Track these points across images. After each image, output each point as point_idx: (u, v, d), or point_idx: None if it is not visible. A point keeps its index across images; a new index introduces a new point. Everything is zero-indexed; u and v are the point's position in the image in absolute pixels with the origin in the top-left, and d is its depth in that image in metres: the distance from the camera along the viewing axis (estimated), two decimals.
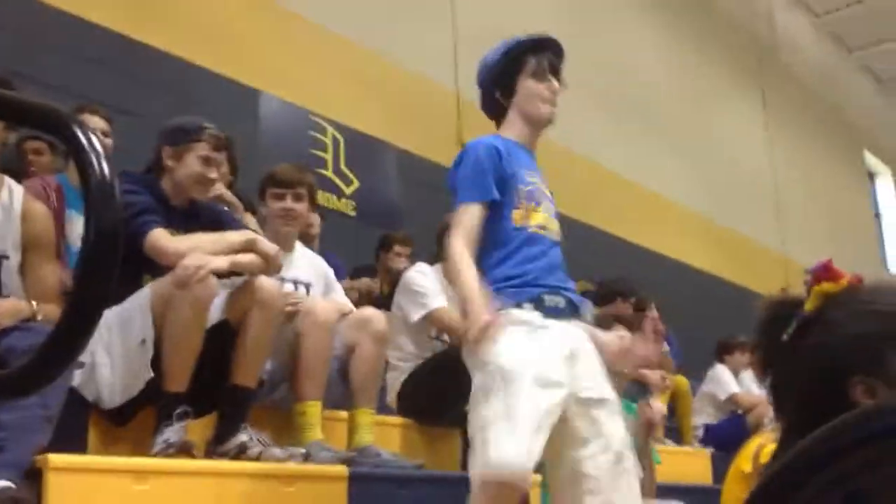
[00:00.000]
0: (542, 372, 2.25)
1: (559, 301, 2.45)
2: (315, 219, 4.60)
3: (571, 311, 2.48)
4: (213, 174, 3.10)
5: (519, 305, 2.37)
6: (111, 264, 1.10)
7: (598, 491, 2.29)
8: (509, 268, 2.42)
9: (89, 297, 1.09)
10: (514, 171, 2.49)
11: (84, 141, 1.12)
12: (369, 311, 3.48)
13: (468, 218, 2.42)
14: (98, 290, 1.09)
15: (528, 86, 2.56)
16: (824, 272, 1.36)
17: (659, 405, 3.90)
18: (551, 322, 2.38)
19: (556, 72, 2.60)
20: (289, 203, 3.53)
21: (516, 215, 2.46)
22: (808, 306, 1.34)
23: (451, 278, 2.53)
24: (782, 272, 11.67)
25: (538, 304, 2.39)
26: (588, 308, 2.68)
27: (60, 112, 1.19)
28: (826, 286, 1.34)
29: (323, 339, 3.19)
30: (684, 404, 6.45)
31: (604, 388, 2.42)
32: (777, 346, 1.36)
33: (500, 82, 2.58)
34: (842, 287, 1.34)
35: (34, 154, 3.72)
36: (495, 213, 2.45)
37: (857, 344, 1.27)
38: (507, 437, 2.16)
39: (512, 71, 2.56)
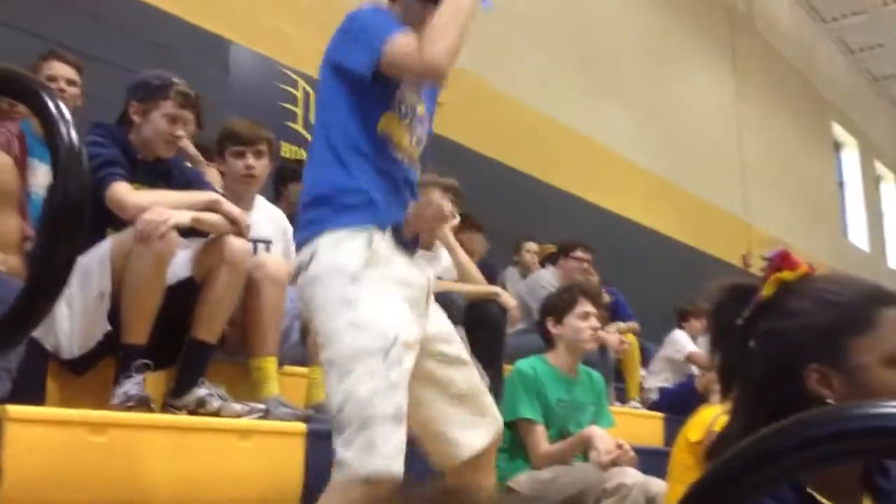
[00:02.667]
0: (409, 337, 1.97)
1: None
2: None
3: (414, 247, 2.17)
4: (180, 132, 3.07)
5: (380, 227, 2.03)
6: (78, 232, 1.13)
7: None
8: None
9: (55, 263, 1.12)
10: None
11: (53, 109, 1.13)
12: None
13: (404, 39, 1.99)
14: (64, 257, 1.12)
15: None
16: (782, 259, 1.39)
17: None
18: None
19: None
20: (250, 160, 3.50)
21: (385, 121, 2.08)
22: (765, 292, 1.38)
23: (457, 46, 1.97)
24: (745, 239, 11.85)
25: (396, 232, 2.06)
26: None
27: (28, 78, 1.21)
28: (784, 274, 1.38)
29: (276, 295, 3.18)
30: (632, 362, 6.55)
31: (460, 347, 2.21)
32: (730, 328, 1.40)
33: None
34: (798, 275, 1.38)
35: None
36: (364, 113, 2.07)
37: (814, 333, 1.31)
38: (394, 439, 1.89)
39: None
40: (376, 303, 1.94)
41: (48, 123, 1.11)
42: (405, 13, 2.13)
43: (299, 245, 2.07)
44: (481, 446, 2.19)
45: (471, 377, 2.21)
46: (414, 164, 2.19)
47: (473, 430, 2.18)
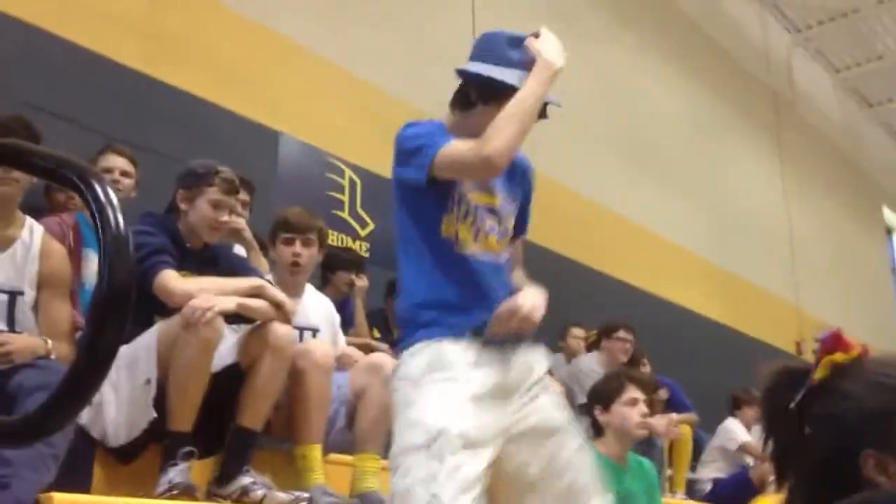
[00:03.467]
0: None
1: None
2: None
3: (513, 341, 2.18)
4: (224, 217, 3.13)
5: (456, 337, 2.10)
6: (123, 317, 1.13)
7: None
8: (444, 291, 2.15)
9: (100, 348, 1.12)
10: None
11: (100, 194, 1.15)
12: (379, 357, 3.49)
13: (458, 145, 2.11)
14: (109, 343, 1.12)
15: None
16: (834, 341, 1.36)
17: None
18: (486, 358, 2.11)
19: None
20: (298, 248, 3.55)
21: (446, 225, 2.18)
22: (818, 375, 1.34)
23: (522, 134, 2.09)
24: (796, 325, 11.63)
25: (475, 336, 2.11)
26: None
27: (77, 165, 1.23)
28: (836, 356, 1.34)
29: (321, 382, 3.18)
30: (682, 452, 6.40)
31: (554, 414, 2.18)
32: (783, 413, 1.36)
33: (483, 88, 2.25)
34: (852, 357, 1.34)
35: (60, 192, 3.76)
36: (428, 222, 2.18)
37: (869, 418, 1.27)
38: None
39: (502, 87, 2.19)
40: (428, 403, 2.01)
41: (95, 208, 1.12)
42: (460, 126, 2.25)
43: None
44: None
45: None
46: (498, 256, 2.24)
47: None
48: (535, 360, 2.21)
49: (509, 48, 2.23)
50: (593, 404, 3.66)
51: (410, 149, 2.19)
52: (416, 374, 2.05)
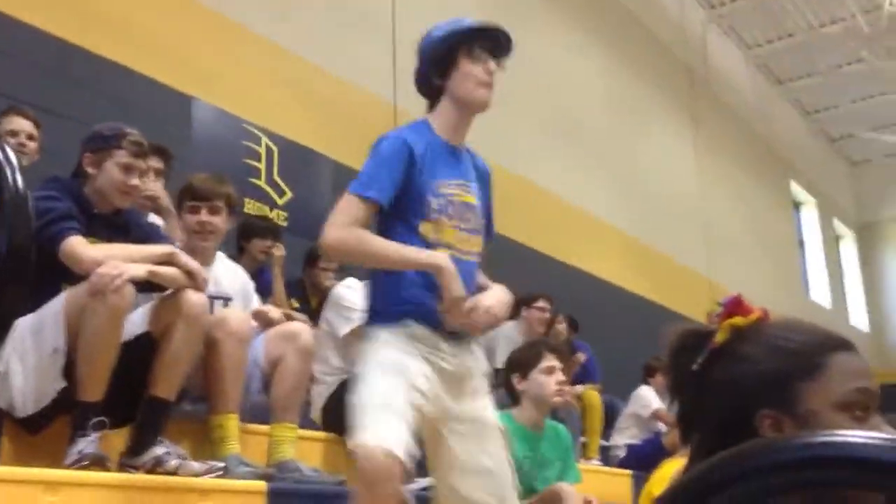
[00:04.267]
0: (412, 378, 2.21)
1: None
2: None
3: (467, 334, 2.37)
4: (134, 181, 3.03)
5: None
6: (21, 280, 1.09)
7: None
8: (409, 290, 2.29)
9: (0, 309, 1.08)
10: (426, 181, 2.31)
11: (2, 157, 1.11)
12: (295, 326, 3.46)
13: (349, 208, 2.25)
14: (9, 305, 1.08)
15: (463, 66, 2.37)
16: (734, 305, 1.39)
17: None
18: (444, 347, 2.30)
19: (498, 59, 2.42)
20: (204, 216, 3.46)
21: (425, 228, 2.31)
22: (719, 338, 1.37)
23: (355, 258, 2.35)
24: (707, 294, 11.91)
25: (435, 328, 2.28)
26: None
27: None
28: (736, 319, 1.37)
29: (238, 352, 3.14)
30: (593, 418, 6.53)
31: (485, 409, 2.39)
32: (686, 375, 1.39)
33: (436, 61, 2.40)
34: (751, 321, 1.37)
35: None
36: (402, 224, 2.31)
37: (766, 379, 1.30)
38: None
39: (450, 50, 2.39)
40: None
41: None
42: (442, 118, 2.41)
43: None
44: None
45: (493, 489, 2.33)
46: (475, 256, 2.42)
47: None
48: (479, 355, 2.40)
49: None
50: (511, 372, 3.69)
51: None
52: (371, 352, 2.26)
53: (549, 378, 3.62)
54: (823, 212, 17.76)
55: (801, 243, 17.10)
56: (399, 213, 2.29)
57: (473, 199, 2.40)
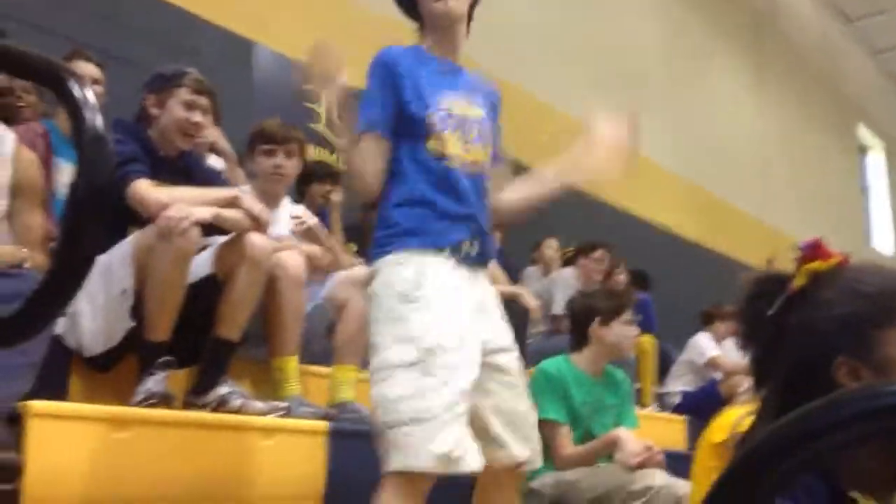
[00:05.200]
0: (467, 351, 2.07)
1: (475, 246, 2.19)
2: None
3: (483, 260, 2.24)
4: (197, 118, 3.06)
5: (439, 249, 2.13)
6: (100, 220, 1.11)
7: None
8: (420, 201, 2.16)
9: (78, 252, 1.10)
10: (420, 96, 2.20)
11: (79, 96, 1.12)
12: (362, 270, 3.47)
13: (372, 150, 2.18)
14: (86, 246, 1.10)
15: None
16: (814, 250, 1.36)
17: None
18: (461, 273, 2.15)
19: None
20: (279, 160, 3.52)
21: (430, 144, 2.19)
22: (797, 283, 1.35)
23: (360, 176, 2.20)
24: (767, 242, 11.74)
25: (454, 251, 2.15)
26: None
27: (56, 65, 1.19)
28: (815, 264, 1.35)
29: (295, 294, 3.18)
30: (647, 366, 6.52)
31: (506, 338, 2.24)
32: (761, 321, 1.37)
33: None
34: (830, 266, 1.34)
35: (17, 98, 3.66)
36: (407, 142, 2.20)
37: (843, 325, 1.27)
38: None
39: None
40: (420, 318, 2.03)
41: (73, 109, 1.09)
42: (428, 37, 2.32)
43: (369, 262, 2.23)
44: (523, 458, 2.17)
45: (518, 403, 2.20)
46: (483, 167, 2.27)
47: (517, 445, 2.17)
48: (486, 281, 2.27)
49: None
50: (591, 316, 3.66)
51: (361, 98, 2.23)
52: (403, 287, 2.07)
53: (630, 330, 3.64)
54: (891, 156, 17.29)
55: (865, 189, 16.70)
56: (403, 131, 2.20)
57: (478, 111, 2.29)
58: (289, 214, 3.64)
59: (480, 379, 2.08)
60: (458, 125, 2.21)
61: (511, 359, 2.21)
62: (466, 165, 2.21)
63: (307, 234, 3.56)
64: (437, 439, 1.93)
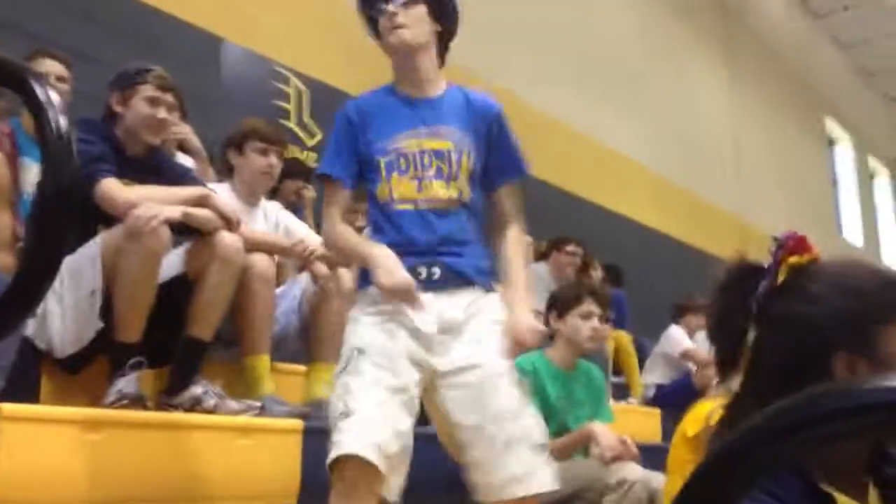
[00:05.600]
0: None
1: (434, 271, 2.20)
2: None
3: (455, 282, 2.22)
4: (163, 114, 3.04)
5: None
6: (66, 222, 1.09)
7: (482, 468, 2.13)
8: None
9: (44, 254, 1.09)
10: (371, 142, 2.26)
11: (42, 97, 1.10)
12: (339, 270, 3.43)
13: (329, 195, 2.30)
14: (53, 248, 1.09)
15: (377, 18, 2.34)
16: (798, 244, 1.36)
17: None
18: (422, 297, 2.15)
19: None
20: (272, 159, 3.51)
21: (380, 191, 2.25)
22: (781, 276, 1.35)
23: (339, 253, 2.48)
24: (738, 235, 11.83)
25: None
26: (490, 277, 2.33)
27: (17, 65, 1.17)
28: (797, 258, 1.35)
29: (266, 293, 3.16)
30: (627, 358, 6.55)
31: (479, 354, 2.18)
32: (734, 311, 1.37)
33: (365, 21, 2.42)
34: (811, 260, 1.35)
35: None
36: (369, 193, 2.29)
37: (840, 320, 1.27)
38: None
39: (362, 7, 2.42)
40: (350, 333, 2.22)
41: (37, 109, 1.07)
42: (394, 72, 2.39)
43: None
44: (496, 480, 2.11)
45: (481, 448, 2.13)
46: (446, 202, 2.26)
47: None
48: (453, 305, 2.21)
49: None
50: (549, 310, 3.69)
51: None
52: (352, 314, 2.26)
53: (585, 323, 3.62)
54: (858, 149, 17.48)
55: (834, 181, 16.87)
56: (364, 181, 2.29)
57: (445, 144, 2.26)
58: (275, 222, 3.61)
59: (440, 398, 2.15)
60: (409, 164, 2.24)
61: (477, 375, 2.15)
62: (421, 203, 2.23)
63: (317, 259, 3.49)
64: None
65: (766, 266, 1.37)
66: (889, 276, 1.33)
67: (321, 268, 3.36)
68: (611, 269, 7.37)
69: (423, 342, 2.17)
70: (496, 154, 2.36)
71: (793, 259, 1.34)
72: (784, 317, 1.32)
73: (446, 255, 2.22)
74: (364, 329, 2.17)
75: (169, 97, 3.06)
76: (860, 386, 0.84)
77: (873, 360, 1.25)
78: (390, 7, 2.27)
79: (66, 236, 1.02)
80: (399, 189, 2.22)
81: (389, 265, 2.13)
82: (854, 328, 1.26)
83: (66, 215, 1.05)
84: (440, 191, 2.24)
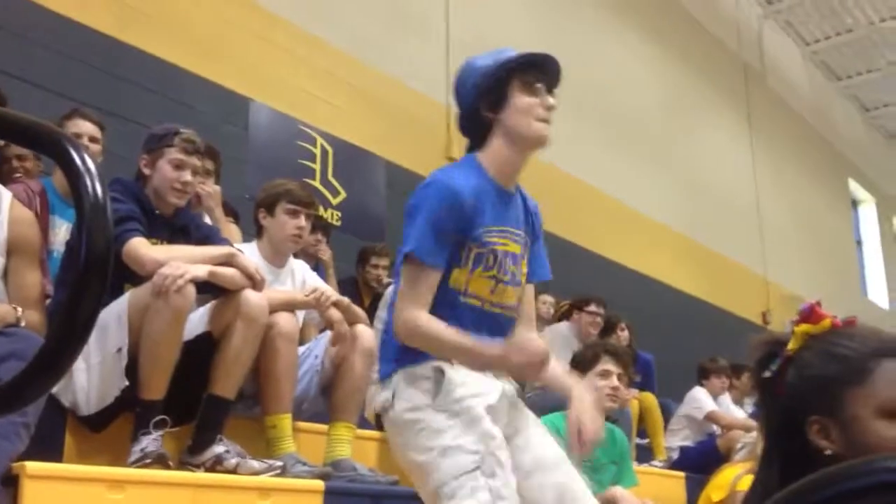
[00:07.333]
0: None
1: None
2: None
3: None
4: (186, 177, 3.08)
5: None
6: (101, 286, 1.11)
7: None
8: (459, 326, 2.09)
9: (78, 318, 1.10)
10: (471, 229, 2.11)
11: (79, 162, 1.12)
12: (359, 328, 3.44)
13: (415, 279, 2.08)
14: (87, 313, 1.10)
15: (520, 100, 2.16)
16: (807, 313, 1.39)
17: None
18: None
19: (550, 91, 2.21)
20: (303, 222, 3.55)
21: (456, 277, 2.12)
22: (791, 346, 1.38)
23: (431, 348, 2.08)
24: (764, 296, 11.76)
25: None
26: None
27: (54, 131, 1.20)
28: (807, 327, 1.38)
29: (289, 352, 3.18)
30: (653, 420, 6.49)
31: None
32: (761, 383, 1.40)
33: (486, 95, 2.17)
34: (822, 328, 1.37)
35: (17, 160, 3.69)
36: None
37: (815, 385, 1.32)
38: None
39: (502, 83, 2.17)
40: (459, 425, 2.02)
41: (74, 177, 1.10)
42: (494, 157, 2.19)
43: (381, 380, 2.17)
44: None
45: None
46: (509, 308, 2.22)
47: None
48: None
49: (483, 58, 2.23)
50: (571, 370, 3.67)
51: (408, 217, 2.12)
52: (426, 398, 2.05)
53: (603, 382, 3.59)
54: (882, 210, 17.40)
55: (858, 242, 16.78)
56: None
57: (518, 248, 2.22)
58: (302, 281, 3.63)
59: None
60: (495, 264, 2.15)
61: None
62: (488, 304, 2.16)
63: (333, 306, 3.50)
64: None
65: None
66: (871, 339, 1.34)
67: (335, 313, 3.36)
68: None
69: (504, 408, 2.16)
70: (534, 256, 2.33)
71: (801, 328, 1.37)
72: (781, 385, 1.36)
73: None
74: (483, 423, 2.02)
75: (195, 160, 3.10)
76: (859, 468, 0.85)
77: (841, 425, 1.28)
78: (551, 100, 2.19)
79: (100, 302, 1.04)
80: (475, 285, 2.13)
81: (518, 345, 2.02)
82: (826, 392, 1.30)
83: (101, 282, 1.07)
84: (510, 299, 2.21)
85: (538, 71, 2.19)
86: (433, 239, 2.06)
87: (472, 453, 1.97)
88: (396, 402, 2.08)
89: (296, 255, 3.79)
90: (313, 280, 3.68)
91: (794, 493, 0.86)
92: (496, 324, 2.18)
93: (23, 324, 2.48)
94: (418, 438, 2.04)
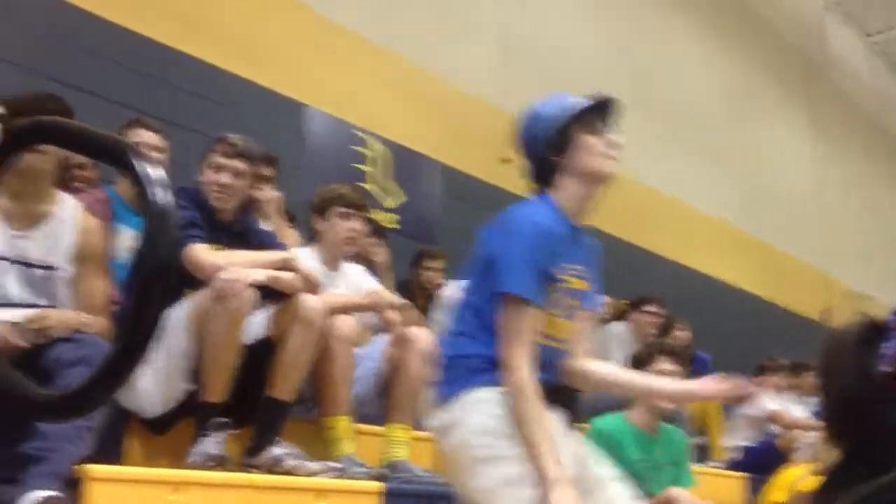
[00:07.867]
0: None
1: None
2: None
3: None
4: (224, 180, 3.10)
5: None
6: (165, 293, 1.15)
7: None
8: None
9: (143, 324, 1.14)
10: (555, 265, 2.09)
11: (145, 173, 1.17)
12: (415, 330, 3.47)
13: (521, 321, 2.02)
14: (152, 319, 1.14)
15: (585, 140, 2.18)
16: None
17: None
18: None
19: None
20: (356, 224, 3.59)
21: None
22: None
23: (518, 419, 1.98)
24: (824, 293, 11.54)
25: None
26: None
27: (121, 143, 1.25)
28: None
29: (346, 354, 3.21)
30: (713, 422, 6.41)
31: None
32: (859, 374, 1.35)
33: (552, 139, 2.18)
34: None
35: (78, 168, 3.77)
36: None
37: None
38: None
39: (566, 126, 2.18)
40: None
41: (139, 186, 1.14)
42: (566, 196, 2.19)
43: (441, 400, 2.12)
44: None
45: None
46: (565, 342, 2.21)
47: None
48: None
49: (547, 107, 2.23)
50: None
51: (492, 256, 2.09)
52: (495, 424, 2.00)
53: None
54: None
55: None
56: None
57: (586, 285, 2.22)
58: (358, 283, 3.68)
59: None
60: (564, 301, 2.14)
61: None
62: (551, 339, 2.15)
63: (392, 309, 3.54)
64: None
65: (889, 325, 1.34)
66: None
67: (393, 315, 3.39)
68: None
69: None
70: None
71: None
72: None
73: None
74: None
75: (237, 163, 3.14)
76: None
77: None
78: (615, 137, 2.22)
79: (164, 309, 1.08)
80: (547, 323, 2.11)
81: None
82: None
83: (165, 289, 1.11)
84: (567, 332, 2.21)
85: (599, 110, 2.22)
86: (531, 276, 2.03)
87: (535, 486, 1.92)
88: (460, 426, 2.04)
89: (352, 259, 3.83)
90: (369, 283, 3.71)
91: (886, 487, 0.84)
92: (554, 356, 2.16)
93: (90, 330, 2.54)
94: (482, 465, 2.00)
